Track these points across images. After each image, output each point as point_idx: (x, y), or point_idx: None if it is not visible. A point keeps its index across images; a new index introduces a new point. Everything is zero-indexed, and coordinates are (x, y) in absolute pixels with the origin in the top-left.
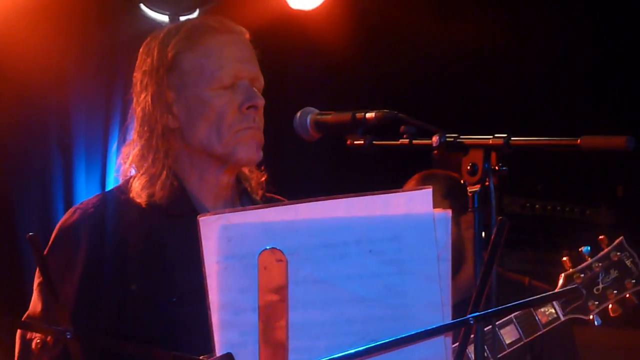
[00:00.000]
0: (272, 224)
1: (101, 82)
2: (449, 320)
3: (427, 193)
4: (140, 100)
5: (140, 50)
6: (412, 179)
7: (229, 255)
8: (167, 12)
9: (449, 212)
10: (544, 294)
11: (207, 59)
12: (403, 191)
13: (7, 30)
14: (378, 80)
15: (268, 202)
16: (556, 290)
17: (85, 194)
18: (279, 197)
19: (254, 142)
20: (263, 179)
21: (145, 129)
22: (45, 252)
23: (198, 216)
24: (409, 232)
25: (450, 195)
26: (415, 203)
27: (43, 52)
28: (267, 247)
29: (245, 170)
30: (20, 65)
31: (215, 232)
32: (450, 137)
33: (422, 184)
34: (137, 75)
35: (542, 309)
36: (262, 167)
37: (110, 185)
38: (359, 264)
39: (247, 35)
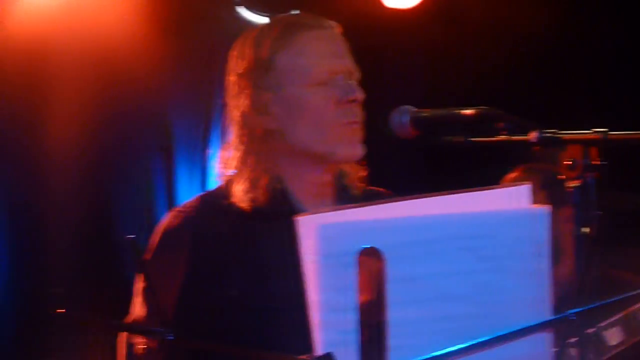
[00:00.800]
0: (368, 222)
1: (200, 85)
2: (549, 317)
3: (525, 189)
4: (238, 104)
5: (232, 52)
6: (511, 173)
7: (326, 254)
8: (266, 14)
9: (549, 207)
10: None
11: (301, 56)
12: (500, 187)
13: (107, 35)
14: (473, 77)
15: (369, 196)
16: None
17: (187, 196)
18: (381, 189)
19: (356, 137)
20: (363, 173)
21: (245, 132)
22: (146, 256)
23: (295, 216)
24: (505, 228)
25: (547, 187)
26: (513, 199)
27: (142, 56)
28: (364, 245)
29: (345, 166)
30: (120, 68)
31: (312, 231)
32: (548, 132)
33: (521, 178)
34: (232, 78)
35: None
36: (363, 162)
37: (211, 187)
38: (455, 261)
39: (339, 30)
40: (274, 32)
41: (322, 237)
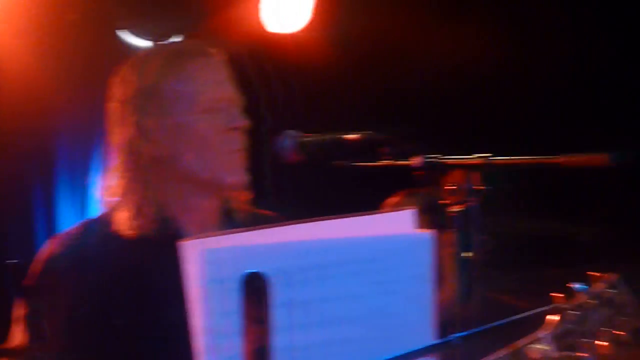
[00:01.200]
0: (254, 247)
1: (82, 111)
2: (434, 340)
3: (409, 214)
4: (122, 131)
5: (115, 78)
6: (393, 197)
7: (210, 279)
8: (150, 38)
9: (432, 232)
10: (529, 312)
11: (187, 84)
12: (386, 211)
13: None
14: (360, 101)
15: (256, 220)
16: (542, 308)
17: (69, 222)
18: (268, 212)
19: (241, 165)
20: (247, 198)
21: (131, 159)
22: (28, 282)
23: (180, 241)
24: (391, 253)
25: (429, 211)
26: (397, 223)
27: (22, 80)
28: (249, 270)
29: (230, 191)
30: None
31: (196, 256)
32: (431, 157)
33: (402, 202)
34: (115, 105)
35: (534, 345)
36: (249, 186)
37: (94, 214)
38: (343, 286)
39: (225, 57)
40: (159, 59)
41: (206, 261)
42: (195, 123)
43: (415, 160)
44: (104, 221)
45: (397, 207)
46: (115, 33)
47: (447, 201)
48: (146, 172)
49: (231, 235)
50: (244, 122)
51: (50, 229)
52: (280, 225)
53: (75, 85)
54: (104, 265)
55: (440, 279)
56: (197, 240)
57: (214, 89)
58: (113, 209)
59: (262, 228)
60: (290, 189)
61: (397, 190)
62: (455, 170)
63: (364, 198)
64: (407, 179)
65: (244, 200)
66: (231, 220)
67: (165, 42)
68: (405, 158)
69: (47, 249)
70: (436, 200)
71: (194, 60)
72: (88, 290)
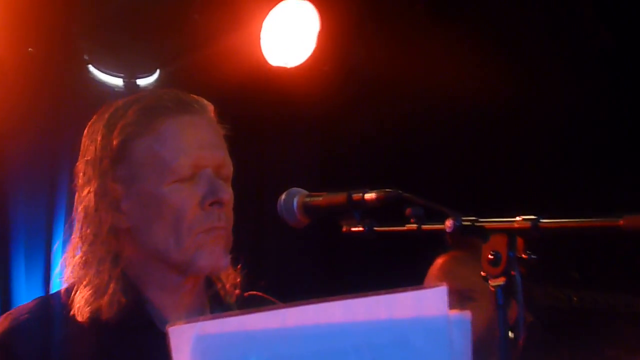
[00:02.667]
0: (255, 333)
1: (44, 163)
2: None
3: (440, 291)
4: (83, 197)
5: (84, 132)
6: (436, 264)
7: None
8: (121, 75)
9: (468, 313)
10: None
11: (160, 146)
12: (411, 290)
13: None
14: (375, 148)
15: (246, 302)
16: None
17: (26, 296)
18: (261, 294)
19: (219, 246)
20: (238, 279)
21: (89, 231)
22: None
23: (167, 326)
24: (419, 336)
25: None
26: (426, 303)
27: None
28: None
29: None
30: None
31: (188, 344)
32: (467, 220)
33: (451, 262)
34: (80, 166)
35: None
36: (239, 266)
37: (55, 287)
38: None
39: (212, 112)
40: (130, 114)
41: (198, 350)
42: (166, 194)
43: (448, 224)
44: (63, 302)
45: (443, 270)
46: (86, 68)
47: (484, 274)
48: (108, 247)
49: (228, 318)
50: (225, 196)
51: (5, 306)
52: (286, 307)
53: (38, 126)
54: (62, 349)
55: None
56: (188, 324)
57: (193, 154)
58: (73, 288)
59: (265, 310)
60: (295, 260)
61: (425, 257)
62: (496, 236)
63: (387, 267)
64: (434, 245)
65: (231, 282)
66: (221, 304)
67: (141, 90)
68: (435, 221)
69: (2, 327)
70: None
71: (171, 118)
72: None
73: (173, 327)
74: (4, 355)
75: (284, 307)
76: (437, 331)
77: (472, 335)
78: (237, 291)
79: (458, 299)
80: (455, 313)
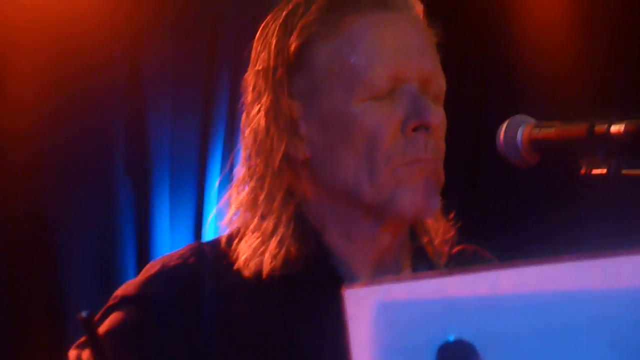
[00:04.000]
0: (458, 300)
1: (197, 83)
2: None
3: None
4: (252, 117)
5: (256, 36)
6: None
7: (391, 347)
8: None
9: None
10: None
11: (351, 52)
12: None
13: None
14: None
15: (454, 259)
16: None
17: (170, 245)
18: (473, 247)
19: (425, 183)
20: (451, 233)
21: (258, 161)
22: (102, 329)
23: (343, 287)
24: None
25: None
26: None
27: (115, 41)
28: (451, 338)
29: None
30: (85, 58)
31: (369, 312)
32: None
33: None
34: (249, 78)
35: None
36: (451, 215)
37: (210, 234)
38: (586, 354)
39: (419, 11)
40: (313, 11)
41: (383, 321)
42: (358, 114)
43: None
44: (223, 251)
45: None
46: None
47: None
48: (281, 181)
49: (421, 281)
50: (435, 118)
51: (141, 255)
52: (497, 269)
53: (189, 44)
54: (222, 312)
55: None
56: (370, 287)
57: (394, 62)
58: (235, 235)
59: (471, 273)
60: (517, 208)
61: None
62: None
63: (632, 224)
64: None
65: (444, 236)
66: (427, 262)
67: None
68: None
69: (140, 279)
70: None
71: (367, 15)
72: (198, 340)
73: (350, 290)
74: (145, 306)
75: (497, 268)
76: None
77: None
78: (446, 248)
79: None
80: None
